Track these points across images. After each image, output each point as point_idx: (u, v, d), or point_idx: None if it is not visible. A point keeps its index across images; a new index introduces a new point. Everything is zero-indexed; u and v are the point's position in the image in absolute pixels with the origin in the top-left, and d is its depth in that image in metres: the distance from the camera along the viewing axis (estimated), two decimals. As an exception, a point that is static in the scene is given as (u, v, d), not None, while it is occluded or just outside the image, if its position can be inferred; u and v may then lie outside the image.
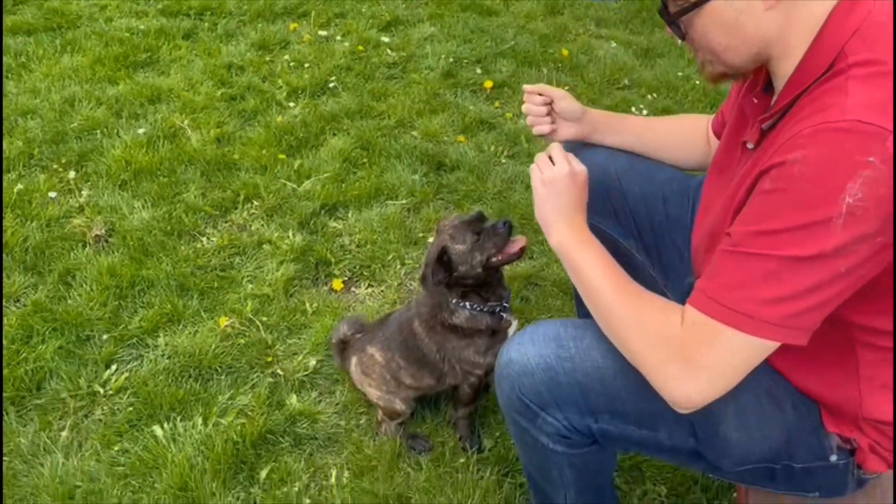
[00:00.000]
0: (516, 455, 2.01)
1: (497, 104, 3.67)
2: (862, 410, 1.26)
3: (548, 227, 1.42)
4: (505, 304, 1.92)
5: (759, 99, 1.29)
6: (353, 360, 2.06)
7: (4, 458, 1.93)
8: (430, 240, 2.76)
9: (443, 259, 1.81)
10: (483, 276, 1.85)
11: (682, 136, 1.82)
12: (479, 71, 3.88)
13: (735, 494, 1.92)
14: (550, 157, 1.48)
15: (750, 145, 1.29)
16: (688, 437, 1.33)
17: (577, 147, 1.77)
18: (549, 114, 1.74)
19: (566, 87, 3.79)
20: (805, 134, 1.04)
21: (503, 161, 3.21)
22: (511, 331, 1.94)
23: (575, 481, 1.47)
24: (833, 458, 1.32)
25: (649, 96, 3.79)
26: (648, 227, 1.80)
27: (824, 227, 1.02)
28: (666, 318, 1.17)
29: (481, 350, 1.91)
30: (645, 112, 3.65)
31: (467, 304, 1.88)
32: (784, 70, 1.18)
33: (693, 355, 1.13)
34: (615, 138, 1.80)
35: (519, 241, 1.85)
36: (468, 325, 1.89)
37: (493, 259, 1.83)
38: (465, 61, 3.96)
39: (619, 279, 1.28)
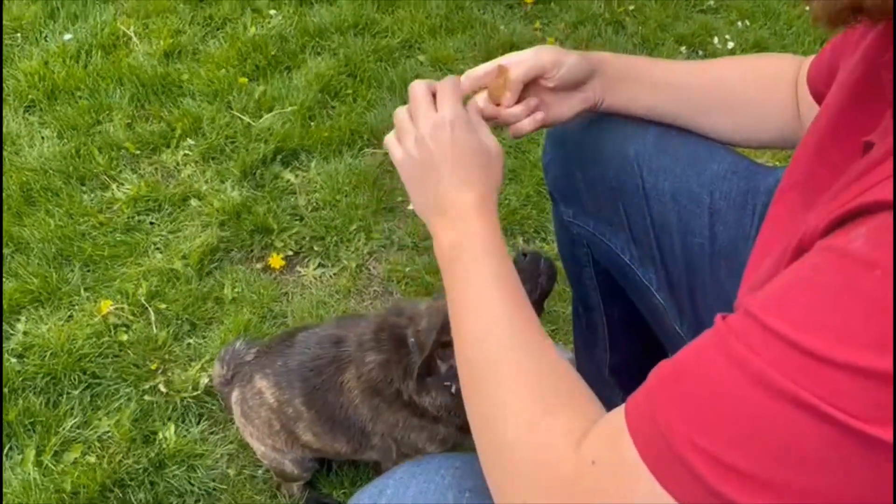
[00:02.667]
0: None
1: (538, 24, 2.85)
2: None
3: (427, 218, 0.86)
4: None
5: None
6: (234, 395, 1.41)
7: None
8: (412, 206, 2.07)
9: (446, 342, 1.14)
10: None
11: (759, 89, 1.06)
12: (521, -21, 3.05)
13: None
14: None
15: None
16: None
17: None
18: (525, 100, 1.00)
19: (631, 7, 2.93)
20: None
21: (529, 102, 2.44)
22: None
23: None
24: None
25: (740, 23, 2.89)
26: (680, 251, 1.07)
27: None
28: (554, 424, 0.62)
29: (436, 440, 1.29)
30: (731, 46, 2.77)
31: (453, 387, 1.22)
32: None
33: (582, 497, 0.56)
34: (644, 97, 1.06)
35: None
36: (438, 412, 1.25)
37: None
38: (506, -34, 3.12)
39: (506, 321, 0.72)
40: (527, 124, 0.99)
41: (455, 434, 1.27)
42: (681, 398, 0.53)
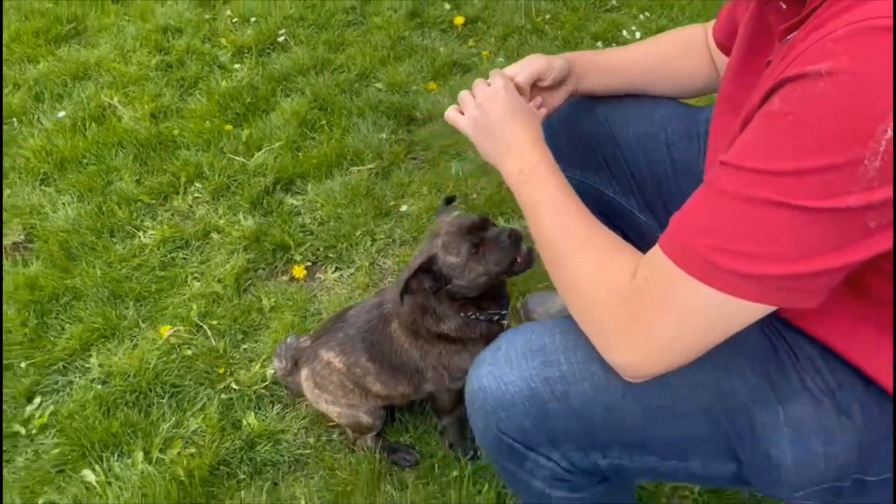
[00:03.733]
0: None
1: (471, 43, 3.24)
2: None
3: (496, 161, 1.16)
4: (503, 313, 1.57)
5: (789, 3, 0.91)
6: (304, 373, 1.71)
7: None
8: (404, 207, 2.40)
9: (429, 269, 1.46)
10: (486, 289, 1.51)
11: (680, 59, 1.43)
12: (447, 6, 3.44)
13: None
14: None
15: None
16: (727, 463, 1.00)
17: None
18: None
19: (547, 16, 3.36)
20: (837, 37, 0.70)
21: (481, 107, 2.81)
22: None
23: None
24: None
25: (642, 16, 3.35)
26: (651, 179, 1.43)
27: (848, 172, 0.70)
28: (613, 267, 0.93)
29: (468, 358, 1.57)
30: (638, 35, 3.22)
31: (461, 313, 1.53)
32: None
33: (641, 314, 0.86)
34: (605, 81, 1.42)
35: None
36: (458, 334, 1.55)
37: (501, 275, 1.49)
38: (432, -3, 3.51)
39: (575, 217, 1.03)
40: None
41: (483, 348, 1.56)
42: (694, 224, 0.83)
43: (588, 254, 0.96)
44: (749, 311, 0.81)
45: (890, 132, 0.66)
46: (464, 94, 1.22)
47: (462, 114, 1.22)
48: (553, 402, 0.96)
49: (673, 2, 3.41)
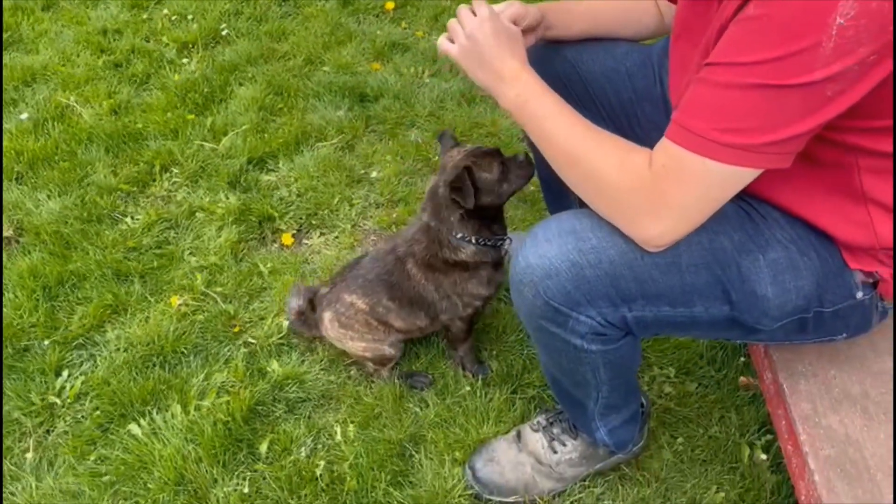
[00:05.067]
0: (520, 370, 1.94)
1: (404, 24, 3.47)
2: (878, 240, 1.23)
3: (492, 88, 1.30)
4: (508, 237, 1.82)
5: None
6: (327, 315, 1.89)
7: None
8: (374, 174, 2.60)
9: (466, 183, 1.63)
10: (499, 210, 1.77)
11: (629, 6, 1.71)
12: (376, -7, 3.65)
13: (744, 359, 1.92)
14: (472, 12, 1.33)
15: None
16: (723, 305, 1.27)
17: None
18: None
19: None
20: None
21: (427, 81, 3.05)
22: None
23: (609, 379, 1.40)
24: (859, 294, 1.29)
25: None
26: (618, 106, 1.71)
27: (811, 53, 0.95)
28: (631, 160, 1.14)
29: (484, 281, 1.80)
30: None
31: (473, 238, 1.75)
32: None
33: (664, 190, 1.10)
34: (569, 31, 1.66)
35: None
36: (474, 259, 1.76)
37: (518, 191, 1.75)
38: (360, -14, 3.71)
39: (576, 123, 1.23)
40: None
41: (492, 272, 1.80)
42: (695, 114, 1.04)
43: (607, 152, 1.18)
44: (745, 176, 1.07)
45: (839, 19, 0.93)
46: (452, 24, 1.33)
47: (452, 42, 1.34)
48: (588, 268, 1.21)
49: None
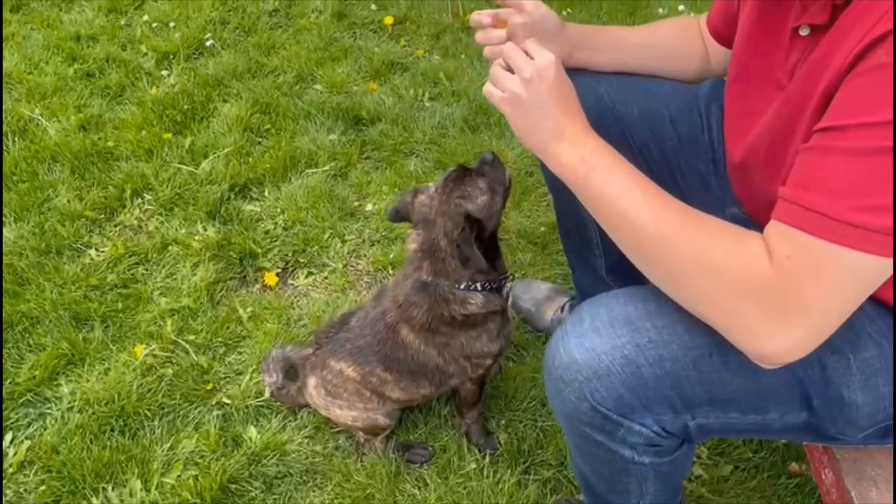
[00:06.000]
0: (532, 445, 1.71)
1: (403, 42, 3.24)
2: None
3: (545, 147, 1.06)
4: (510, 274, 1.58)
5: None
6: (311, 381, 1.65)
7: None
8: (370, 207, 2.36)
9: (470, 226, 1.42)
10: (494, 238, 1.53)
11: (679, 42, 1.50)
12: (374, 7, 3.42)
13: (785, 441, 1.70)
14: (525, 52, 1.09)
15: (805, 31, 1.00)
16: (801, 412, 1.05)
17: None
18: None
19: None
20: None
21: (427, 104, 2.82)
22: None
23: (655, 490, 1.17)
24: None
25: (565, 12, 3.47)
26: (659, 155, 1.49)
27: None
28: (745, 250, 0.87)
29: (493, 336, 1.57)
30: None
31: (478, 285, 1.50)
32: None
33: (793, 295, 0.84)
34: (601, 57, 1.46)
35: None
36: (484, 310, 1.51)
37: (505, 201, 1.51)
38: (356, -2, 3.49)
39: (664, 203, 0.96)
40: None
41: (500, 323, 1.57)
42: (822, 189, 0.81)
43: (713, 240, 0.90)
44: (888, 269, 0.82)
45: None
46: (499, 70, 1.10)
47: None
48: (647, 367, 0.98)
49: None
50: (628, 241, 0.99)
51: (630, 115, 1.48)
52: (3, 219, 2.22)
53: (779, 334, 0.86)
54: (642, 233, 0.95)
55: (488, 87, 1.12)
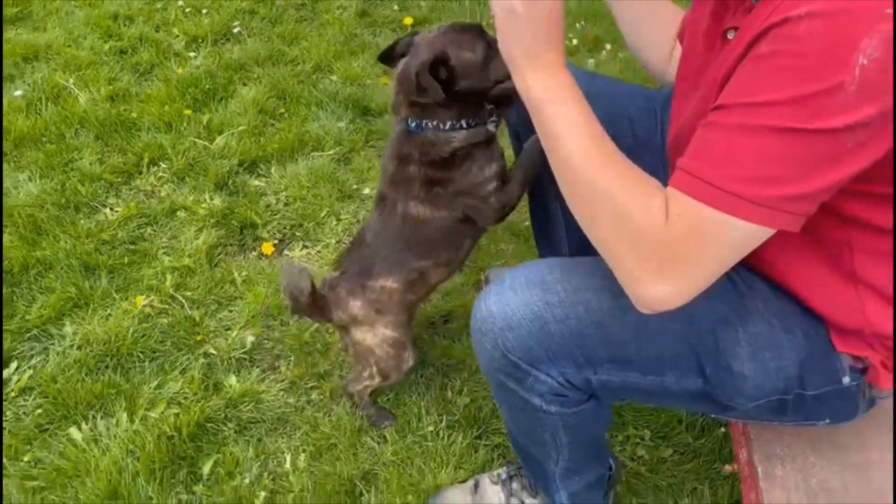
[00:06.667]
0: (488, 413, 1.84)
1: (419, 42, 3.39)
2: (868, 324, 1.13)
3: (518, 60, 1.07)
4: (494, 120, 1.56)
5: None
6: (357, 304, 1.64)
7: None
8: (367, 190, 2.52)
9: (437, 71, 1.36)
10: (485, 96, 1.47)
11: (659, 23, 1.56)
12: (395, 7, 3.60)
13: (723, 429, 1.81)
14: None
15: (731, 34, 1.09)
16: (696, 378, 1.18)
17: None
18: None
19: (487, 21, 3.55)
20: None
21: (434, 101, 2.97)
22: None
23: (569, 443, 1.30)
24: (846, 380, 1.18)
25: (578, 24, 3.61)
26: None
27: (833, 95, 0.84)
28: (648, 204, 0.97)
29: (484, 162, 1.54)
30: (575, 42, 3.46)
31: (463, 122, 1.48)
32: None
33: (677, 251, 0.94)
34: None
35: None
36: (467, 142, 1.49)
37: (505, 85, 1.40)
38: (380, -2, 3.66)
39: (599, 145, 1.03)
40: None
41: (487, 150, 1.53)
42: (707, 160, 0.91)
43: (627, 189, 0.98)
44: (758, 237, 0.93)
45: (862, 59, 0.82)
46: None
47: None
48: (553, 323, 1.11)
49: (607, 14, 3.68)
50: (561, 172, 1.05)
51: (595, 111, 1.61)
52: (30, 174, 2.41)
53: (660, 282, 0.96)
54: (571, 165, 1.02)
55: None
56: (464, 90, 1.42)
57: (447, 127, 1.48)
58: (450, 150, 1.49)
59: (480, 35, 1.43)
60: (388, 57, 1.53)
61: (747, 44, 0.93)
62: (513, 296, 1.14)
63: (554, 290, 1.14)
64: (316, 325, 2.03)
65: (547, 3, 1.06)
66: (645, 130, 1.59)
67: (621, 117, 1.60)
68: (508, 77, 1.28)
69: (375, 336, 1.68)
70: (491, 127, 1.55)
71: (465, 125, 1.49)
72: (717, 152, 0.93)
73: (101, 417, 1.76)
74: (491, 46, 1.38)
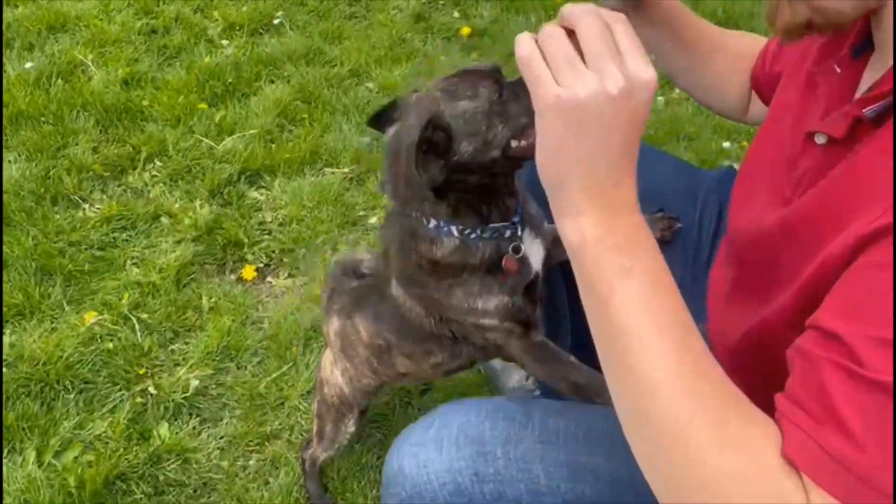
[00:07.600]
0: None
1: (474, 55, 3.09)
2: None
3: (570, 191, 0.66)
4: (515, 221, 1.09)
5: (844, 67, 0.76)
6: (335, 325, 1.33)
7: None
8: (373, 220, 2.25)
9: (431, 137, 0.96)
10: (493, 170, 1.03)
11: (724, 67, 1.20)
12: (456, 14, 3.30)
13: None
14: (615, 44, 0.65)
15: (821, 139, 0.76)
16: None
17: None
18: None
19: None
20: None
21: (472, 125, 2.66)
22: (533, 257, 1.12)
23: None
24: None
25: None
26: None
27: None
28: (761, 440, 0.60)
29: (474, 292, 1.10)
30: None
31: (454, 227, 1.06)
32: None
33: None
34: (668, 43, 1.16)
35: None
36: (452, 259, 1.07)
37: (518, 143, 0.97)
38: (441, 2, 3.37)
39: (687, 349, 0.64)
40: None
41: (481, 280, 1.09)
42: (827, 421, 0.58)
43: (707, 407, 0.61)
44: None
45: None
46: (562, 49, 0.65)
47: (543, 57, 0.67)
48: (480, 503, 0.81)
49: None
50: (613, 368, 0.66)
51: None
52: (17, 155, 2.24)
53: None
54: (646, 389, 0.63)
55: (538, 64, 0.66)
56: (464, 163, 0.99)
57: (430, 226, 1.07)
58: (433, 258, 1.08)
59: (487, 75, 1.00)
60: (381, 120, 1.11)
61: (854, 241, 0.61)
62: (435, 453, 0.85)
63: (492, 455, 0.84)
64: (275, 375, 1.78)
65: (638, 100, 0.63)
66: (683, 219, 1.25)
67: (653, 197, 1.26)
68: (507, 147, 0.96)
69: (332, 375, 1.41)
70: (492, 246, 1.08)
71: (455, 232, 1.06)
72: (855, 422, 0.57)
73: (8, 453, 1.55)
74: (499, 86, 0.97)
